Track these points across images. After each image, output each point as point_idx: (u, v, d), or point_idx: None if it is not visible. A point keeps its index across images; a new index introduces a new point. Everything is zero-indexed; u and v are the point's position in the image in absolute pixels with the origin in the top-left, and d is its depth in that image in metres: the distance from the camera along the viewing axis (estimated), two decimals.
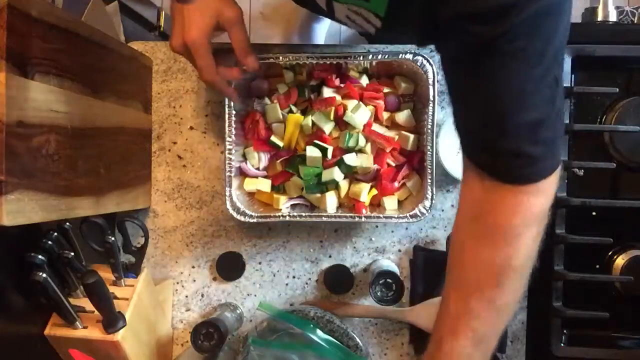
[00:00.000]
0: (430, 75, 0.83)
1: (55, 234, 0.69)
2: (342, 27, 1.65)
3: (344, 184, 0.86)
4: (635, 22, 1.40)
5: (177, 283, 0.93)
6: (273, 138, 0.87)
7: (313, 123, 0.86)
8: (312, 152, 0.84)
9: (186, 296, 0.93)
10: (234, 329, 0.87)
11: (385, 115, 0.87)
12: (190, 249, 0.93)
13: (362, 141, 0.85)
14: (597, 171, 0.89)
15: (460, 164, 0.81)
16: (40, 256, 0.65)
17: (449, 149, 0.84)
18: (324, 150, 0.84)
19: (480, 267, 0.56)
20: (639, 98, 0.88)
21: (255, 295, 0.93)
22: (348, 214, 0.85)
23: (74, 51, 0.67)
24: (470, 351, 0.55)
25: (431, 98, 0.83)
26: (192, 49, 0.69)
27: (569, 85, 0.88)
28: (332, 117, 0.85)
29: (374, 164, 0.86)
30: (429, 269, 0.88)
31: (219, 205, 0.92)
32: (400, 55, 0.84)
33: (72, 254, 0.69)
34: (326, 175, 0.85)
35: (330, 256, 0.92)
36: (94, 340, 0.71)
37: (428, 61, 0.83)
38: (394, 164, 0.87)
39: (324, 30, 1.62)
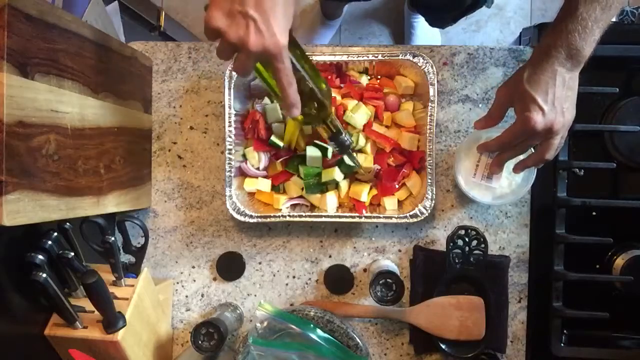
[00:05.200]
0: (431, 75, 0.83)
1: (55, 234, 0.69)
2: (342, 28, 1.66)
3: (344, 184, 0.87)
4: (635, 22, 1.40)
5: (177, 283, 0.93)
6: (273, 138, 0.87)
7: None
8: (312, 152, 0.84)
9: (186, 296, 0.93)
10: (234, 329, 0.87)
11: (385, 115, 0.87)
12: (190, 249, 0.93)
13: (362, 141, 0.86)
14: (597, 171, 0.89)
15: (477, 185, 0.81)
16: (40, 256, 0.65)
17: (466, 171, 0.82)
18: (324, 150, 0.84)
19: None
20: (639, 98, 0.88)
21: (255, 295, 0.93)
22: (348, 214, 0.85)
23: (74, 51, 0.68)
24: (598, 14, 0.63)
25: (431, 98, 0.83)
26: (279, 56, 0.59)
27: None
28: None
29: (374, 164, 0.86)
30: (429, 269, 0.88)
31: (219, 205, 0.92)
32: (400, 55, 0.84)
33: (72, 254, 0.69)
34: (326, 175, 0.85)
35: (330, 256, 0.92)
36: (94, 340, 0.72)
37: (428, 61, 0.83)
38: (394, 164, 0.87)
39: (329, 37, 1.62)
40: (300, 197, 0.88)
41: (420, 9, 1.23)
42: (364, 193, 0.85)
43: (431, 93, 0.83)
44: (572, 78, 0.67)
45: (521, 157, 0.79)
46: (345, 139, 0.76)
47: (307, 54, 0.85)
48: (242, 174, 0.89)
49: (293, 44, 0.64)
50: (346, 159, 0.82)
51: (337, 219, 0.85)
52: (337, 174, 0.84)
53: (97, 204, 0.73)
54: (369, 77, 0.89)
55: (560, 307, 0.87)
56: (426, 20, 1.27)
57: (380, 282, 0.81)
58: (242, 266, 0.92)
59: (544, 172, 0.85)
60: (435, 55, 0.90)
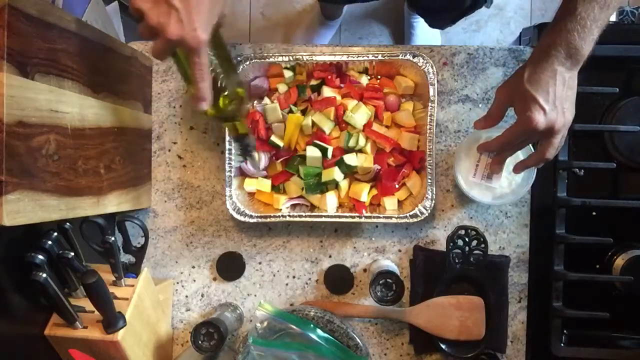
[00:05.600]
0: (431, 75, 0.83)
1: (55, 234, 0.69)
2: (342, 28, 1.66)
3: (344, 184, 0.87)
4: (635, 22, 1.40)
5: (177, 283, 0.93)
6: (273, 138, 0.87)
7: (313, 123, 0.86)
8: (312, 152, 0.85)
9: (186, 296, 0.93)
10: (234, 329, 0.87)
11: (385, 115, 0.87)
12: (190, 249, 0.93)
13: (362, 141, 0.86)
14: (597, 171, 0.89)
15: (477, 185, 0.81)
16: (40, 256, 0.65)
17: (466, 171, 0.82)
18: (324, 150, 0.85)
19: None
20: (639, 98, 0.88)
21: (255, 295, 0.93)
22: (348, 214, 0.85)
23: (74, 51, 0.67)
24: (596, 13, 0.64)
25: (431, 98, 0.83)
26: (197, 51, 0.60)
27: None
28: (332, 117, 0.85)
29: (374, 164, 0.86)
30: (429, 269, 0.88)
31: (219, 205, 0.92)
32: (400, 55, 0.84)
33: (72, 254, 0.69)
34: (326, 175, 0.85)
35: (330, 256, 0.92)
36: (94, 340, 0.71)
37: (428, 61, 0.83)
38: (394, 164, 0.87)
39: (328, 37, 1.62)
40: (300, 197, 0.88)
41: (419, 10, 1.24)
42: (364, 193, 0.85)
43: (431, 93, 0.83)
44: (571, 77, 0.67)
45: (521, 157, 0.79)
46: (248, 143, 0.80)
47: (306, 54, 0.85)
48: (242, 174, 0.89)
49: (217, 42, 0.66)
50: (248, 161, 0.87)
51: (337, 219, 0.85)
52: (337, 174, 0.84)
53: (97, 204, 0.73)
54: (369, 77, 0.89)
55: (560, 307, 0.87)
56: (425, 21, 1.27)
57: (380, 282, 0.81)
58: (242, 266, 0.92)
59: (544, 172, 0.85)
60: (435, 55, 0.90)
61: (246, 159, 0.84)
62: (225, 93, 0.72)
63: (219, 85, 0.70)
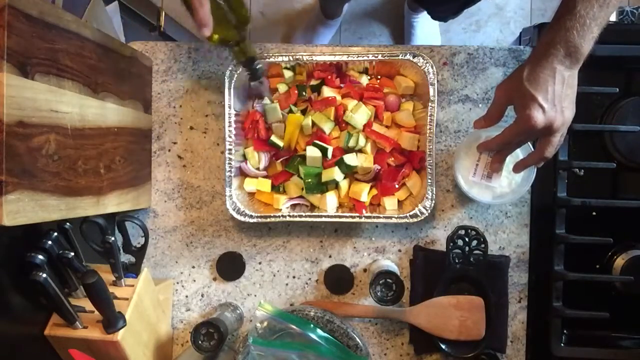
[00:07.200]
0: (431, 75, 0.83)
1: (55, 234, 0.69)
2: (342, 27, 1.66)
3: (344, 184, 0.87)
4: (635, 22, 1.40)
5: (177, 283, 0.93)
6: (273, 138, 0.87)
7: (313, 123, 0.86)
8: (312, 152, 0.85)
9: (186, 296, 0.93)
10: (234, 329, 0.87)
11: (385, 115, 0.87)
12: (190, 249, 0.93)
13: (362, 141, 0.86)
14: (597, 171, 0.89)
15: (477, 184, 0.81)
16: (40, 256, 0.65)
17: (465, 170, 0.82)
18: (324, 150, 0.85)
19: None
20: (639, 98, 0.88)
21: (255, 295, 0.93)
22: (348, 214, 0.85)
23: (74, 51, 0.67)
24: (595, 11, 0.64)
25: (431, 98, 0.83)
26: None
27: None
28: (332, 117, 0.85)
29: (374, 164, 0.86)
30: (429, 269, 0.88)
31: (219, 205, 0.92)
32: (400, 55, 0.84)
33: (72, 254, 0.69)
34: (326, 175, 0.85)
35: (330, 256, 0.92)
36: (94, 340, 0.72)
37: (428, 61, 0.83)
38: (394, 164, 0.87)
39: (329, 36, 1.62)
40: (300, 197, 0.88)
41: (422, 2, 1.24)
42: (364, 193, 0.85)
43: (431, 93, 0.83)
44: (571, 76, 0.67)
45: (521, 156, 0.79)
46: (257, 67, 0.80)
47: (306, 54, 0.85)
48: (242, 174, 0.89)
49: None
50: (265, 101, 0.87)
51: (337, 219, 0.85)
52: (337, 174, 0.84)
53: (97, 204, 0.73)
54: (369, 77, 0.89)
55: (560, 307, 0.87)
56: (428, 13, 1.27)
57: (380, 282, 0.81)
58: (242, 266, 0.92)
59: (544, 172, 0.85)
60: (435, 55, 0.90)
61: (256, 82, 0.83)
62: (228, 17, 0.72)
63: (220, 10, 0.70)
